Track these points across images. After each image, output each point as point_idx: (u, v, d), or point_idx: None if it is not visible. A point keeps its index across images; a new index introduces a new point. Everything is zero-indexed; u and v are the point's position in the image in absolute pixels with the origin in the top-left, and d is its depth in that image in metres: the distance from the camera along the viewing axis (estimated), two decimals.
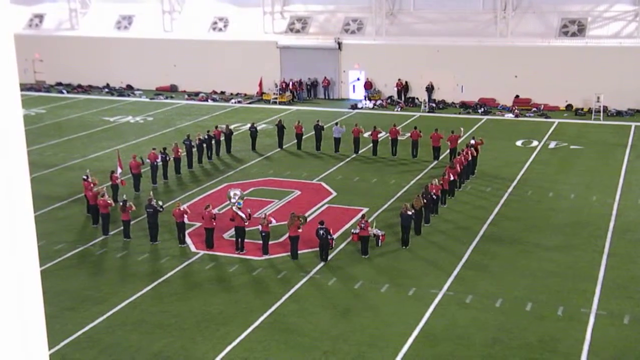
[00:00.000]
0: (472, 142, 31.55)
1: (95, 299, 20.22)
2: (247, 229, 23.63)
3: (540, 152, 35.39)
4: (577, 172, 32.05)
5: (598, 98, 42.85)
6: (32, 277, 6.48)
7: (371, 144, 35.21)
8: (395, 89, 49.43)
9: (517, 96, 46.71)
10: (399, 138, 34.91)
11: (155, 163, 30.59)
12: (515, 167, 32.62)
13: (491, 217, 26.29)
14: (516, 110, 44.67)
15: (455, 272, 21.56)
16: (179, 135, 38.09)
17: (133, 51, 56.04)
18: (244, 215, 23.45)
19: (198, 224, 25.13)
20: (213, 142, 34.89)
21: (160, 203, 24.55)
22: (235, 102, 50.24)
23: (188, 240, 24.31)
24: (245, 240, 23.53)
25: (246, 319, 18.85)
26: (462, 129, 35.09)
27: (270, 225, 23.22)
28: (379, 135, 35.08)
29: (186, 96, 52.80)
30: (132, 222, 24.94)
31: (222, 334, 18.14)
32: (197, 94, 53.23)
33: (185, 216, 24.16)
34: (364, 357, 16.98)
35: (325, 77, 51.20)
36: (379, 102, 48.41)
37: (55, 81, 58.87)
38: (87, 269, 22.45)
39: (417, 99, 48.58)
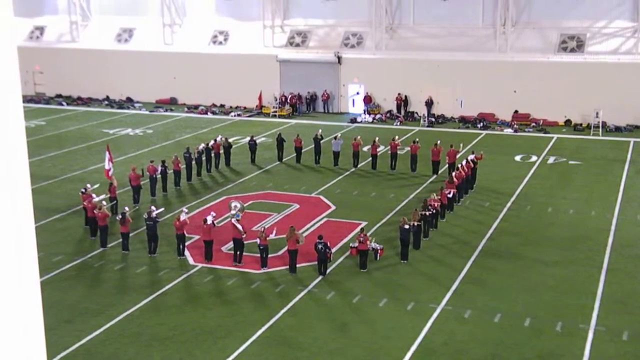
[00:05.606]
0: (472, 156, 31.60)
1: (93, 312, 20.18)
2: (245, 242, 23.62)
3: (539, 167, 35.43)
4: (575, 187, 32.08)
5: (597, 114, 42.94)
6: (32, 288, 6.48)
7: (370, 158, 35.27)
8: (395, 103, 49.55)
9: (516, 111, 46.80)
10: (398, 149, 34.97)
11: (154, 176, 30.60)
12: (514, 182, 32.64)
13: (490, 232, 26.29)
14: (515, 125, 44.77)
15: (454, 287, 21.53)
16: (178, 148, 38.12)
17: (133, 64, 56.17)
18: (241, 228, 23.46)
19: (197, 237, 25.12)
20: (212, 154, 34.94)
21: (154, 215, 24.35)
22: (234, 115, 50.33)
23: (186, 252, 24.30)
24: (244, 253, 23.51)
25: (244, 333, 18.81)
26: (461, 144, 35.34)
27: (268, 238, 23.21)
28: (378, 150, 35.16)
29: (186, 109, 52.84)
30: (131, 234, 24.93)
31: (220, 347, 18.09)
32: (196, 106, 53.31)
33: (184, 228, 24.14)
34: None
35: (324, 91, 51.31)
36: (378, 116, 48.50)
37: (55, 93, 58.92)
38: (85, 281, 22.41)
39: (417, 113, 48.68)
